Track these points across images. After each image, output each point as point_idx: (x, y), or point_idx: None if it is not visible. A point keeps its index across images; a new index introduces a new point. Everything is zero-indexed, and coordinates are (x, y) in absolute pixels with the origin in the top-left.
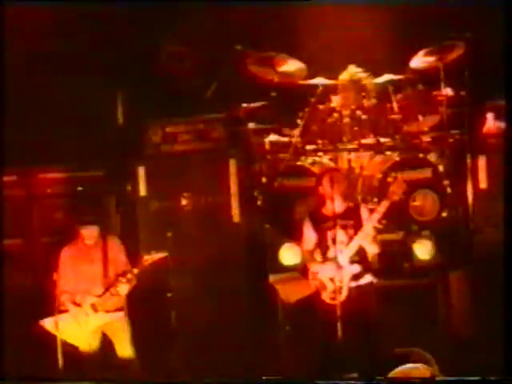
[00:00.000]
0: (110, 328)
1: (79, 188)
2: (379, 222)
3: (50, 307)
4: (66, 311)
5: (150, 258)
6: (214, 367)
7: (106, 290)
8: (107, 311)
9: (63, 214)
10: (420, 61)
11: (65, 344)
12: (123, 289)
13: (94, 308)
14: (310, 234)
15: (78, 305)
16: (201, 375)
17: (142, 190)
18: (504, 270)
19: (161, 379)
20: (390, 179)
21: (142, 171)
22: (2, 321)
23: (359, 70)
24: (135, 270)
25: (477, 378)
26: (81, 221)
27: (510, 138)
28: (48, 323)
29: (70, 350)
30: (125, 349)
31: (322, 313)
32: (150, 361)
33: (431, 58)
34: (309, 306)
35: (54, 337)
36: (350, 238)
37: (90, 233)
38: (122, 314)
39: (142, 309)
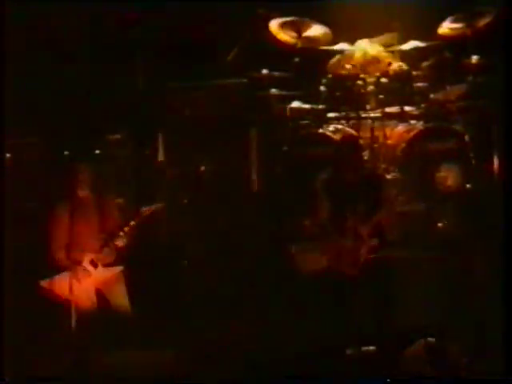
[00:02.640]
0: (106, 283)
1: (97, 151)
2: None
3: (52, 266)
4: (65, 269)
5: (148, 209)
6: (230, 334)
7: (104, 244)
8: (106, 266)
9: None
10: (448, 27)
11: (66, 302)
12: (121, 242)
13: (93, 264)
14: (324, 203)
15: (77, 262)
16: (216, 341)
17: (161, 155)
18: None
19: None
20: (414, 149)
21: (161, 136)
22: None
23: (385, 36)
24: (132, 223)
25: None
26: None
27: None
28: (49, 283)
29: (70, 309)
30: (121, 304)
31: (339, 285)
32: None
33: (460, 25)
34: (327, 277)
35: (56, 296)
36: (369, 210)
37: (85, 172)
38: (120, 267)
39: (156, 275)
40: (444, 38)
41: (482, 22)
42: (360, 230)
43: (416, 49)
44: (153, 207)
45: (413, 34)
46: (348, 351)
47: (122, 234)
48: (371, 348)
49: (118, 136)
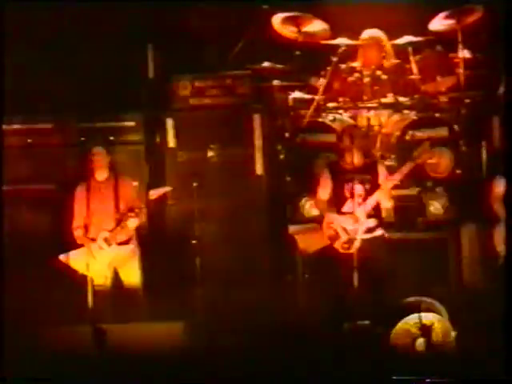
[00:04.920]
0: (119, 260)
1: (111, 138)
2: (400, 181)
3: (68, 243)
4: (81, 246)
5: (155, 193)
6: (234, 312)
7: (117, 224)
8: (118, 244)
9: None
10: (439, 23)
11: (83, 277)
12: (132, 223)
13: (107, 242)
14: (326, 184)
15: (93, 239)
16: (220, 320)
17: (171, 142)
18: None
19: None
20: (407, 137)
21: (170, 123)
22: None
23: (380, 31)
24: (142, 205)
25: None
26: (92, 142)
27: None
28: (65, 258)
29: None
30: (132, 279)
31: (335, 262)
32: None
33: (450, 21)
34: (326, 256)
35: (73, 271)
36: (367, 193)
37: (99, 156)
38: (132, 246)
39: (166, 254)
40: (435, 33)
41: (471, 18)
42: (359, 209)
43: (409, 43)
44: (161, 191)
45: (406, 30)
46: (345, 325)
47: (132, 214)
48: (365, 322)
49: (131, 123)
